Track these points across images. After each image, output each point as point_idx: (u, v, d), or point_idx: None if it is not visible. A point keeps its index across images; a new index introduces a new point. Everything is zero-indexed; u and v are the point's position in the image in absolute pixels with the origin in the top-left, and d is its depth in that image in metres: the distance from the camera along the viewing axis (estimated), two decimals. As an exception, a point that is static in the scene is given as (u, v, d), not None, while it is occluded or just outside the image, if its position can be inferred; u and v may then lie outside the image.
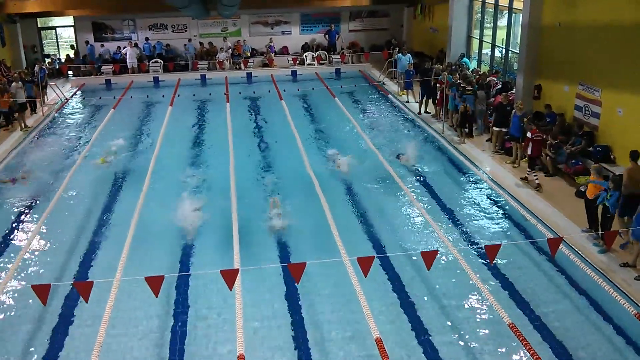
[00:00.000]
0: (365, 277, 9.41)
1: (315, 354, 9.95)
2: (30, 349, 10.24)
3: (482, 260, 12.49)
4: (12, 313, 11.24)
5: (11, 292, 11.76)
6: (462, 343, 10.29)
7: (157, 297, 8.91)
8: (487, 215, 14.99)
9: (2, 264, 12.86)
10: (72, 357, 10.08)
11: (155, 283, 8.79)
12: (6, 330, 10.77)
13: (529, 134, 16.30)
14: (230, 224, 13.20)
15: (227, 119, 22.23)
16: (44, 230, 14.29)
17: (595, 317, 10.90)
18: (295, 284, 9.51)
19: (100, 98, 27.17)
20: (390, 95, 27.11)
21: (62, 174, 17.88)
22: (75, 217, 15.31)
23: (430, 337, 10.39)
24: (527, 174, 16.31)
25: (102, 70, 32.07)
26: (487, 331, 10.57)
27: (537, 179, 15.96)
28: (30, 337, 10.53)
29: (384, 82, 29.31)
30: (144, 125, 24.12)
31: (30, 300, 11.00)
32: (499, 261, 12.27)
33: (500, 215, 14.96)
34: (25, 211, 15.69)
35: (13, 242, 14.01)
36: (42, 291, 8.69)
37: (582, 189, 15.15)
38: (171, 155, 19.47)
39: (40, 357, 10.08)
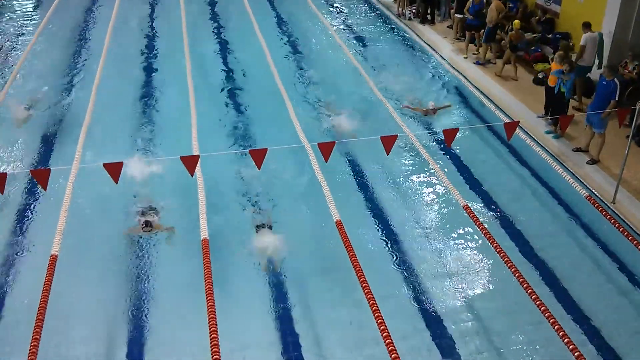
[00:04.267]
0: (326, 162, 9.48)
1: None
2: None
3: (439, 145, 12.67)
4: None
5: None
6: (417, 224, 10.70)
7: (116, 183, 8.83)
8: (445, 97, 15.15)
9: None
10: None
11: (114, 169, 8.69)
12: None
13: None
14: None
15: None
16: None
17: (548, 199, 11.38)
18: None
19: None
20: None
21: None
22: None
23: (385, 218, 10.76)
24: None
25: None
26: (442, 212, 10.96)
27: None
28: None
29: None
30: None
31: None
32: (456, 146, 12.51)
33: (459, 101, 15.08)
34: None
35: None
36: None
37: (540, 76, 15.31)
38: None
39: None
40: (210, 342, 7.02)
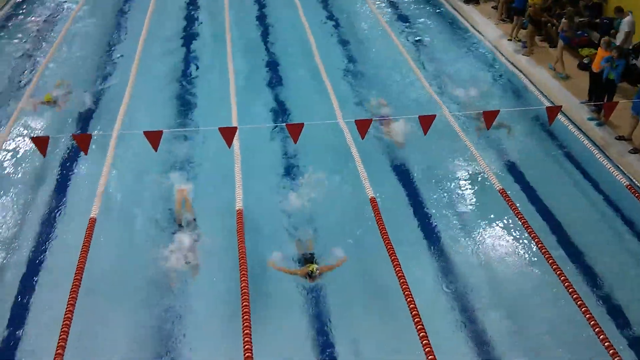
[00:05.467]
0: (362, 139, 9.49)
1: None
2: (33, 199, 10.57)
3: (479, 126, 12.51)
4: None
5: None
6: (452, 209, 10.61)
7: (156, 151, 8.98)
8: (486, 82, 14.85)
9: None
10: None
11: (154, 137, 8.84)
12: (7, 180, 11.01)
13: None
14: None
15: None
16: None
17: (586, 186, 11.17)
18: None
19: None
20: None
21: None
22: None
23: (423, 200, 10.70)
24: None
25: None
26: (477, 196, 10.84)
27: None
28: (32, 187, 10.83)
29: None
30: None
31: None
32: (495, 129, 12.32)
33: (500, 83, 14.83)
34: None
35: None
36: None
37: (585, 61, 14.94)
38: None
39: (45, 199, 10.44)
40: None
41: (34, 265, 9.18)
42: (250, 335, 6.85)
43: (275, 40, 16.89)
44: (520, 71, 14.95)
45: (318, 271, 8.67)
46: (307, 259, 8.99)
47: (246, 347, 6.71)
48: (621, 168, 11.21)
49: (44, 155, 8.89)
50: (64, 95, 13.44)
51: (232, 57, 14.68)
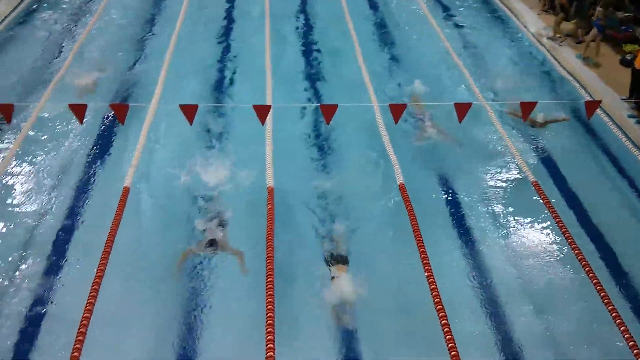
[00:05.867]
0: (396, 123, 9.45)
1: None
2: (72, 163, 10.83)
3: (515, 117, 12.34)
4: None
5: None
6: (483, 198, 10.50)
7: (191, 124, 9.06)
8: (525, 73, 14.63)
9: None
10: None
11: (190, 111, 8.92)
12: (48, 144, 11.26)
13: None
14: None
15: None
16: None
17: (622, 184, 10.97)
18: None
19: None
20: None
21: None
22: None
23: (452, 188, 10.64)
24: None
25: None
26: (510, 187, 10.73)
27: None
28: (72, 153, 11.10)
29: None
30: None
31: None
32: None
33: (539, 75, 14.59)
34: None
35: None
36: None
37: (628, 57, 14.61)
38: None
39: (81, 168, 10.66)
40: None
41: (66, 232, 9.37)
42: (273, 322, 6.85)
43: (314, 22, 16.81)
44: (560, 64, 14.66)
45: None
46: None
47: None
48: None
49: (81, 123, 9.03)
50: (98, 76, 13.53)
51: (269, 38, 14.69)
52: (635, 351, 6.83)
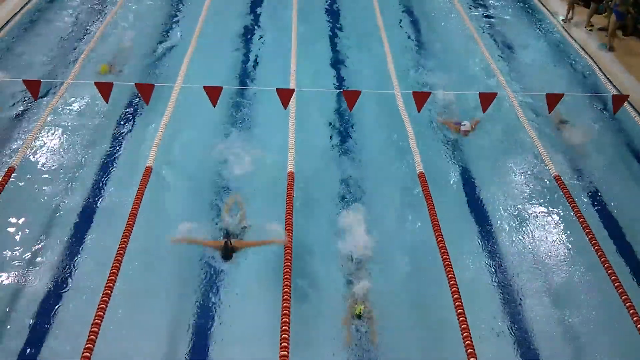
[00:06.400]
0: (419, 112, 9.42)
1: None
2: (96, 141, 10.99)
3: (539, 110, 12.19)
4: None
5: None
6: (505, 193, 10.43)
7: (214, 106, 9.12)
8: (553, 64, 14.47)
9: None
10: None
11: (214, 93, 8.97)
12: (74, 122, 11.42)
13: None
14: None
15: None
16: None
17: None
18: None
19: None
20: None
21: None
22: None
23: (474, 181, 10.60)
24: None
25: None
26: (533, 184, 10.64)
27: None
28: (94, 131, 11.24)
29: None
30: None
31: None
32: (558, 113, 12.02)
33: (567, 66, 14.41)
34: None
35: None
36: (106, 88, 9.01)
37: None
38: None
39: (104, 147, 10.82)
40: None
41: (88, 209, 9.52)
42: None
43: (340, 8, 16.72)
44: (590, 57, 14.43)
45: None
46: None
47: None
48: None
49: (107, 101, 9.13)
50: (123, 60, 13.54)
51: (296, 22, 14.65)
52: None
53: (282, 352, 6.41)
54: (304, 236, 8.81)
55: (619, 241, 9.38)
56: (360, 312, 7.73)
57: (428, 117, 11.60)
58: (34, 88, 9.08)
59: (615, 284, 7.71)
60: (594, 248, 8.36)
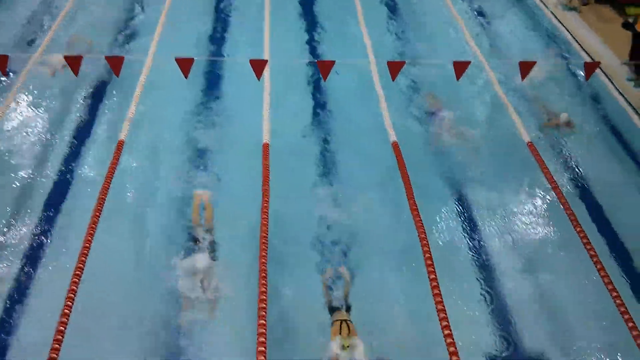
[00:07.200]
0: (393, 80, 9.39)
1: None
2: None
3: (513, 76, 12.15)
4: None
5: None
6: (478, 160, 10.45)
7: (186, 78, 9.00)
8: (524, 32, 14.52)
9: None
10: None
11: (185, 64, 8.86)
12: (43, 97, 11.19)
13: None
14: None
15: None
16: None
17: (618, 147, 10.93)
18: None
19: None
20: None
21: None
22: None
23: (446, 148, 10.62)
24: None
25: None
26: (505, 149, 10.68)
27: None
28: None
29: None
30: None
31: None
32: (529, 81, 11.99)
33: (539, 34, 14.45)
34: None
35: None
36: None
37: (630, 20, 14.42)
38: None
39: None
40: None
41: (61, 182, 9.44)
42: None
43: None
44: (565, 27, 14.44)
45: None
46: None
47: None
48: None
49: (76, 75, 8.96)
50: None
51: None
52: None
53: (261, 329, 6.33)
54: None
55: (590, 204, 9.54)
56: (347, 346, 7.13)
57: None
58: (1, 63, 8.88)
59: (598, 267, 7.41)
60: (568, 217, 8.33)
